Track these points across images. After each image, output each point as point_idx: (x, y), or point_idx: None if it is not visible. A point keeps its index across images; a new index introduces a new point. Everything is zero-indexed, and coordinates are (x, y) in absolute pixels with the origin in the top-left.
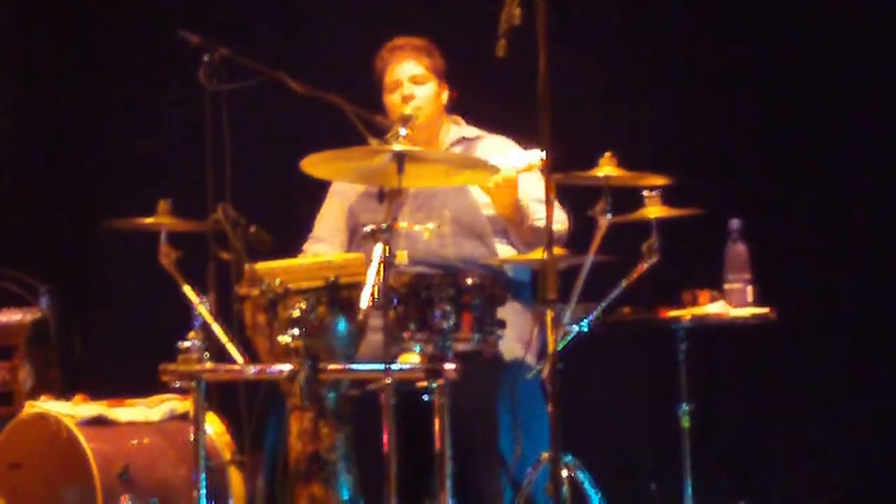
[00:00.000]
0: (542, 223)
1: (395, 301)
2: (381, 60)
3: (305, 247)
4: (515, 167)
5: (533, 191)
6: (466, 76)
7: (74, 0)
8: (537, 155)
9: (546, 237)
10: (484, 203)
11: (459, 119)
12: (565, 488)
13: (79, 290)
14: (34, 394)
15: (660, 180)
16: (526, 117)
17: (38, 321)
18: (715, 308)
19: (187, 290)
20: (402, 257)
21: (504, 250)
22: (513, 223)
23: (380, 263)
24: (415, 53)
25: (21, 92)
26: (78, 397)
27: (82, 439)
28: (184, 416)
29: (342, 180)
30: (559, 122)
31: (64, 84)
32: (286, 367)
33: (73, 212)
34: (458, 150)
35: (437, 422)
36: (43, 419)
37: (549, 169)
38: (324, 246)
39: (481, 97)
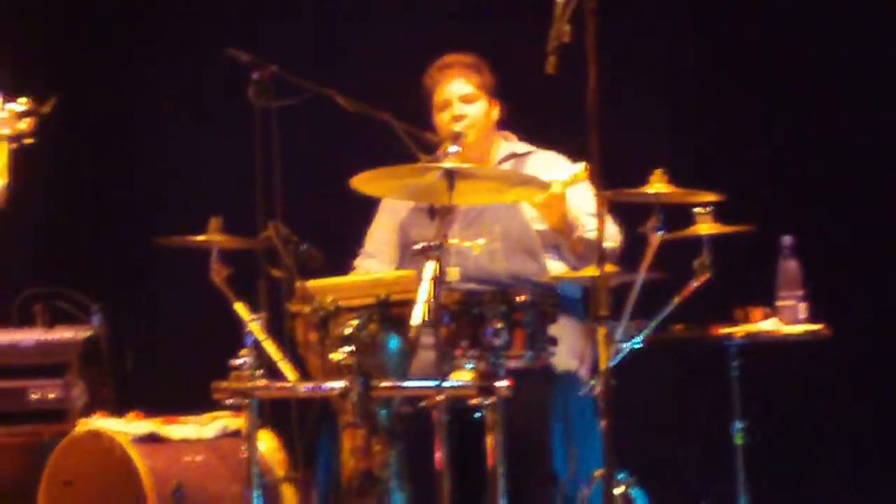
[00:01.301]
0: (593, 234)
1: (447, 318)
2: (430, 79)
3: (356, 263)
4: (560, 180)
5: (583, 203)
6: (517, 92)
7: (123, 18)
8: (579, 166)
9: (598, 253)
10: (534, 218)
11: (510, 135)
12: None
13: (131, 307)
14: (87, 411)
15: (711, 197)
16: (576, 133)
17: (91, 338)
18: (767, 325)
19: (239, 307)
20: (453, 274)
21: (555, 266)
22: (564, 235)
23: (431, 281)
24: (465, 71)
25: (70, 110)
26: (131, 414)
27: (136, 457)
28: (236, 434)
29: (392, 197)
30: (610, 138)
31: (114, 102)
32: (338, 385)
33: (124, 229)
34: (508, 165)
35: (489, 439)
36: (96, 436)
37: (599, 184)
38: (374, 262)
39: (532, 113)
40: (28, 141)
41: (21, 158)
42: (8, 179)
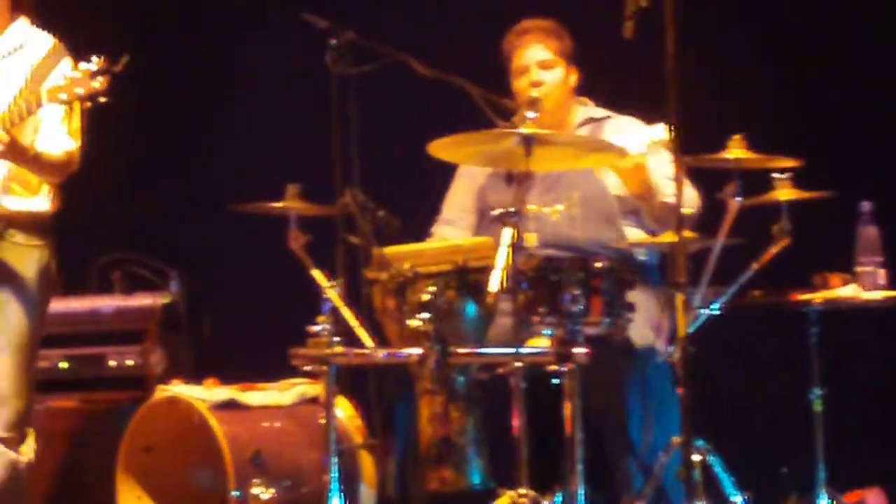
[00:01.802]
0: (673, 199)
1: (525, 285)
2: (508, 44)
3: (433, 229)
4: (643, 146)
5: (663, 168)
6: (594, 57)
7: None
8: (661, 131)
9: (676, 219)
10: (613, 184)
11: (587, 100)
12: (697, 472)
13: (209, 274)
14: (165, 378)
15: (790, 162)
16: (654, 99)
17: (169, 305)
18: (846, 291)
19: (316, 274)
20: (531, 240)
21: (633, 233)
22: (644, 201)
23: (509, 247)
24: (543, 37)
25: (149, 74)
26: (209, 381)
27: (214, 423)
28: (314, 400)
29: (470, 164)
30: (688, 103)
31: (192, 66)
32: (416, 351)
33: (203, 196)
34: (585, 131)
35: (566, 406)
36: (175, 403)
37: (678, 150)
38: (452, 229)
39: (609, 78)
40: (102, 100)
41: (101, 122)
42: (81, 141)
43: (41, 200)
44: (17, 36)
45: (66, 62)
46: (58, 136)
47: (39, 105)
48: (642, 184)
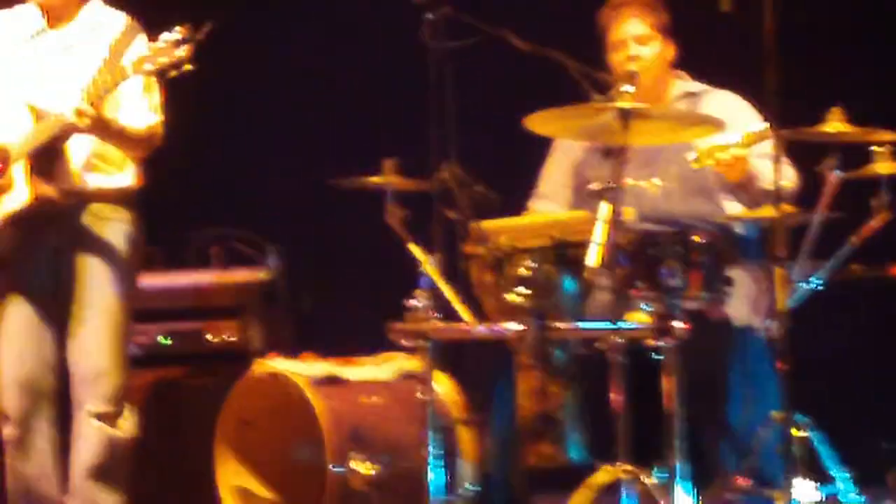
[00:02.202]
0: (771, 185)
1: (623, 259)
2: (604, 18)
3: (530, 204)
4: (741, 141)
5: (760, 148)
6: (691, 30)
7: None
8: (760, 127)
9: (774, 194)
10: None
11: (684, 74)
12: (796, 448)
13: (307, 248)
14: (264, 352)
15: (890, 136)
16: (752, 72)
17: (268, 280)
18: None
19: (414, 248)
20: (628, 214)
21: (732, 207)
22: (743, 187)
23: (606, 222)
24: (639, 11)
25: (244, 48)
26: (307, 356)
27: (313, 398)
28: (413, 375)
29: (566, 138)
30: (785, 76)
31: (288, 40)
32: (514, 326)
33: (300, 171)
34: (683, 104)
35: (665, 381)
36: (273, 377)
37: (776, 124)
38: (549, 203)
39: (707, 51)
40: (187, 68)
41: (199, 95)
42: (162, 116)
43: (125, 176)
44: (91, 16)
45: (142, 38)
46: (139, 110)
47: (125, 77)
48: (743, 174)
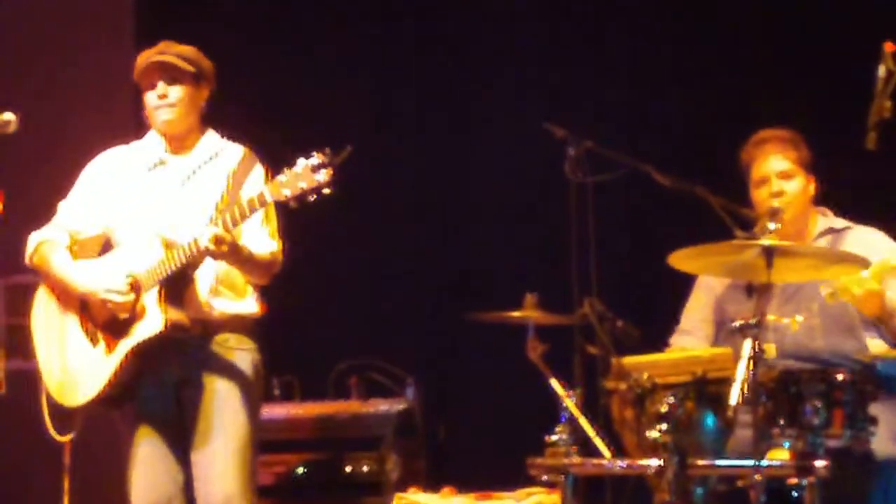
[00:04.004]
0: None
1: (764, 396)
2: (746, 154)
3: (672, 340)
4: (871, 274)
5: None
6: (835, 167)
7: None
8: (890, 259)
9: None
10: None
11: (827, 210)
12: None
13: (445, 380)
14: (401, 485)
15: None
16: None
17: (405, 411)
18: None
19: (554, 383)
20: (770, 351)
21: (875, 344)
22: (882, 321)
23: (748, 358)
24: (781, 147)
25: (384, 182)
26: (446, 490)
27: None
28: None
29: (710, 274)
30: None
31: (432, 173)
32: (654, 462)
33: (440, 303)
34: (825, 241)
35: None
36: None
37: None
38: (690, 339)
39: (850, 189)
40: (327, 191)
41: (344, 225)
42: (282, 241)
43: (249, 303)
44: (210, 146)
45: (259, 168)
46: (261, 237)
47: (263, 204)
48: (881, 308)
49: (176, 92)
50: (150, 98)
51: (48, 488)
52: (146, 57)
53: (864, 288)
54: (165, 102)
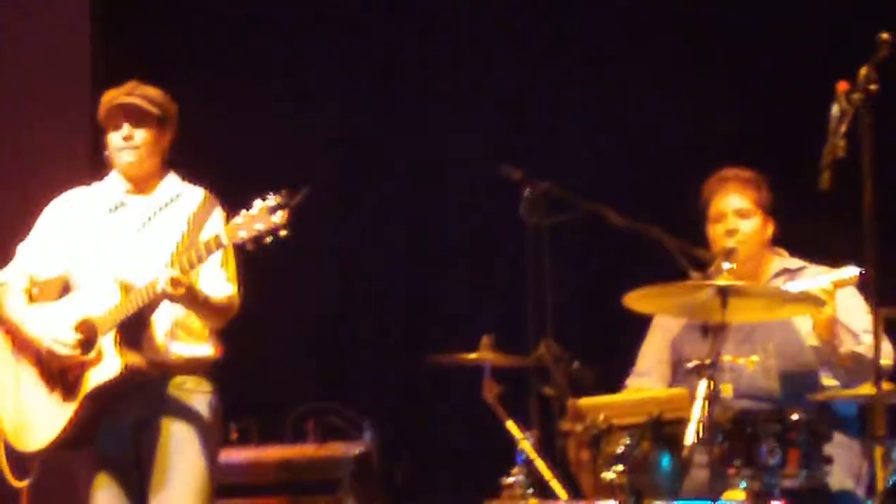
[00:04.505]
0: (862, 348)
1: (720, 437)
2: (708, 189)
3: (628, 382)
4: (828, 285)
5: (854, 319)
6: (790, 207)
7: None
8: (851, 271)
9: (869, 369)
10: (808, 334)
11: (782, 251)
12: None
13: (402, 423)
14: None
15: None
16: (851, 250)
17: (363, 454)
18: None
19: (510, 425)
20: (726, 391)
21: (829, 383)
22: (831, 350)
23: (704, 399)
24: (742, 186)
25: (347, 227)
26: None
27: None
28: None
29: (665, 315)
30: (884, 254)
31: (382, 216)
32: None
33: (396, 346)
34: (780, 281)
35: None
36: None
37: (876, 300)
38: (647, 380)
39: (806, 229)
40: (283, 233)
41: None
42: (238, 286)
43: (206, 346)
44: (170, 189)
45: (219, 211)
46: (218, 281)
47: (220, 246)
48: (830, 333)
49: (141, 134)
50: (115, 139)
51: None
52: (113, 97)
53: (823, 313)
54: (130, 144)
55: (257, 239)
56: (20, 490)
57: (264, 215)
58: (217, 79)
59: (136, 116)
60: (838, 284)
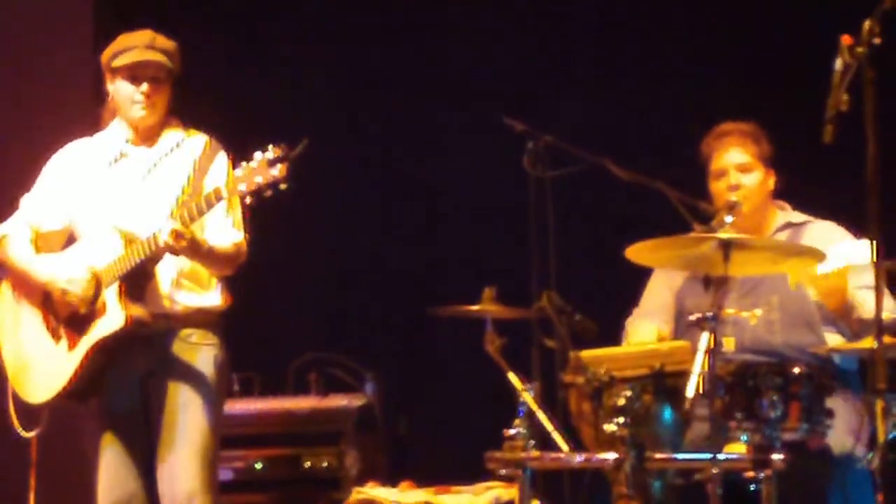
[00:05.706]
0: (871, 315)
1: (722, 390)
2: (707, 146)
3: (628, 321)
4: (840, 265)
5: (861, 277)
6: (793, 161)
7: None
8: (860, 253)
9: (875, 326)
10: (813, 281)
11: (785, 204)
12: None
13: (404, 376)
14: (361, 479)
15: None
16: (855, 203)
17: (365, 406)
18: None
19: (512, 377)
20: (729, 344)
21: (832, 338)
22: (841, 316)
23: (706, 352)
24: (742, 140)
25: (351, 179)
26: (404, 484)
27: None
28: None
29: (667, 268)
30: (888, 207)
31: (387, 167)
32: (612, 456)
33: (399, 298)
34: (784, 235)
35: None
36: None
37: (879, 255)
38: (649, 322)
39: (809, 182)
40: (283, 187)
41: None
42: (247, 233)
43: (213, 295)
44: (173, 136)
45: (223, 156)
46: (224, 228)
47: (220, 198)
48: (841, 301)
49: (158, 91)
50: (128, 90)
51: (15, 484)
52: (131, 48)
53: (828, 280)
54: (148, 101)
55: (257, 192)
56: (30, 440)
57: (264, 168)
58: (218, 27)
59: (156, 74)
60: (852, 269)
